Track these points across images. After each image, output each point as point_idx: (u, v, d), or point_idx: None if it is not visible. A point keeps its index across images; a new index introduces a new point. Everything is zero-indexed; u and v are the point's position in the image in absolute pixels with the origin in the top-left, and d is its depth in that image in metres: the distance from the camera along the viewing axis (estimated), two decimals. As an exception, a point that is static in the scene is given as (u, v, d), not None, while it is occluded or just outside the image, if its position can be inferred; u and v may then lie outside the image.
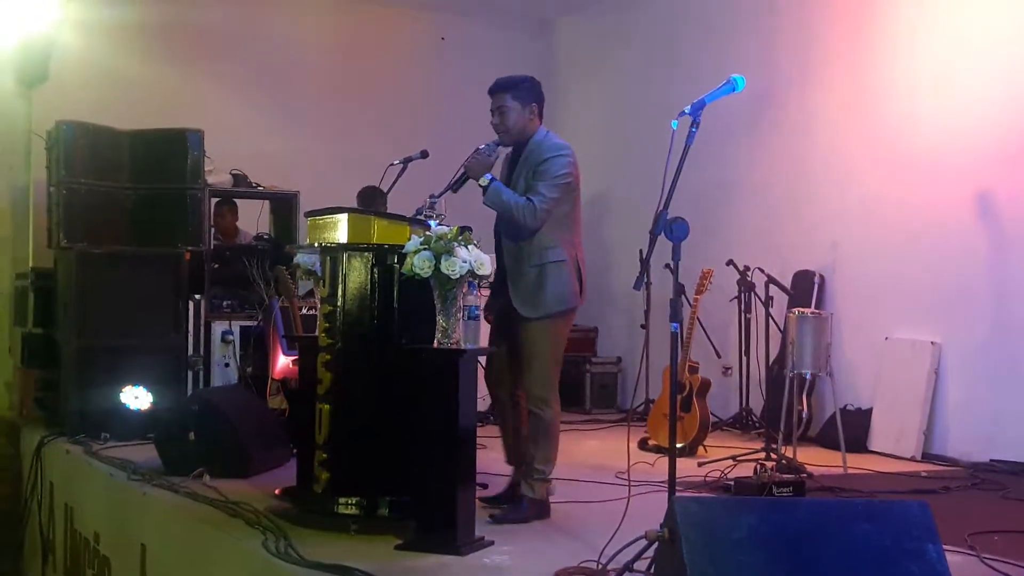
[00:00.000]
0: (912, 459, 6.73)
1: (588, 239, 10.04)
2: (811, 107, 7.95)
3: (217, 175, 8.11)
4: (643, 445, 6.92)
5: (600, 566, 3.75)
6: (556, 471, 4.85)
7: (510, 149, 4.91)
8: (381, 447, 4.47)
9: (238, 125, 8.93)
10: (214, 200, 8.38)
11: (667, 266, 4.02)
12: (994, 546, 4.27)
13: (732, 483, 5.39)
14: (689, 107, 4.03)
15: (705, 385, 7.00)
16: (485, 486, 5.01)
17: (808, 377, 6.81)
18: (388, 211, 5.34)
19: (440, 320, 4.21)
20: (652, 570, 3.55)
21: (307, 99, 9.67)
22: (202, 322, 7.50)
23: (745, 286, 7.68)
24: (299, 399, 5.24)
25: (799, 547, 3.09)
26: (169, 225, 7.53)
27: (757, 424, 7.74)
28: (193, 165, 7.59)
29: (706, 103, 4.07)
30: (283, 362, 6.75)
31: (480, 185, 4.67)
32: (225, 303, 7.83)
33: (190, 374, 7.32)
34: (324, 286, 4.60)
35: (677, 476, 3.92)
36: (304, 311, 6.85)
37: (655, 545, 3.36)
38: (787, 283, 7.69)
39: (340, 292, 4.51)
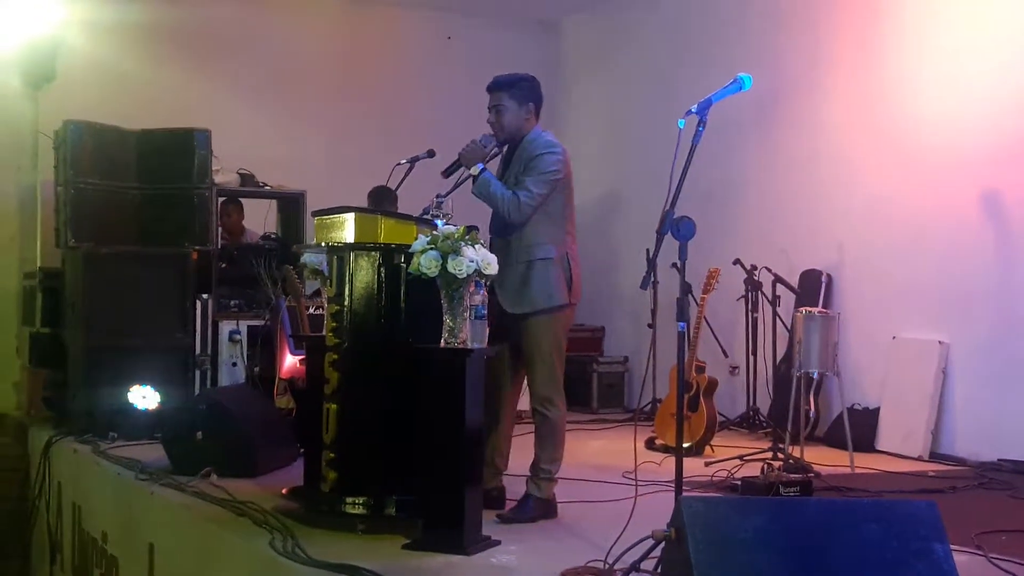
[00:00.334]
0: (919, 459, 6.72)
1: (595, 238, 10.16)
2: (818, 106, 7.94)
3: (224, 175, 8.12)
4: (650, 445, 6.92)
5: (607, 566, 3.75)
6: (563, 471, 4.85)
7: (506, 147, 4.93)
8: (388, 447, 4.47)
9: (245, 125, 8.94)
10: (220, 199, 8.39)
11: (674, 265, 4.01)
12: (1001, 546, 4.26)
13: (739, 483, 5.39)
14: (696, 106, 4.03)
15: (712, 384, 7.00)
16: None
17: (815, 376, 6.80)
18: (397, 211, 5.34)
19: (447, 320, 4.21)
20: (659, 570, 3.55)
21: (313, 99, 9.67)
22: (209, 321, 7.50)
23: (752, 285, 7.67)
24: (306, 398, 5.24)
25: (806, 547, 3.08)
26: (176, 225, 7.54)
27: (764, 423, 7.73)
28: (200, 165, 7.60)
29: (713, 102, 4.06)
30: (290, 361, 6.75)
31: (471, 173, 4.72)
32: (232, 302, 7.84)
33: (197, 373, 7.33)
34: (331, 286, 4.60)
35: (684, 476, 3.92)
36: (311, 310, 6.84)
37: (662, 545, 3.36)
38: (794, 282, 7.68)
39: (347, 292, 4.51)
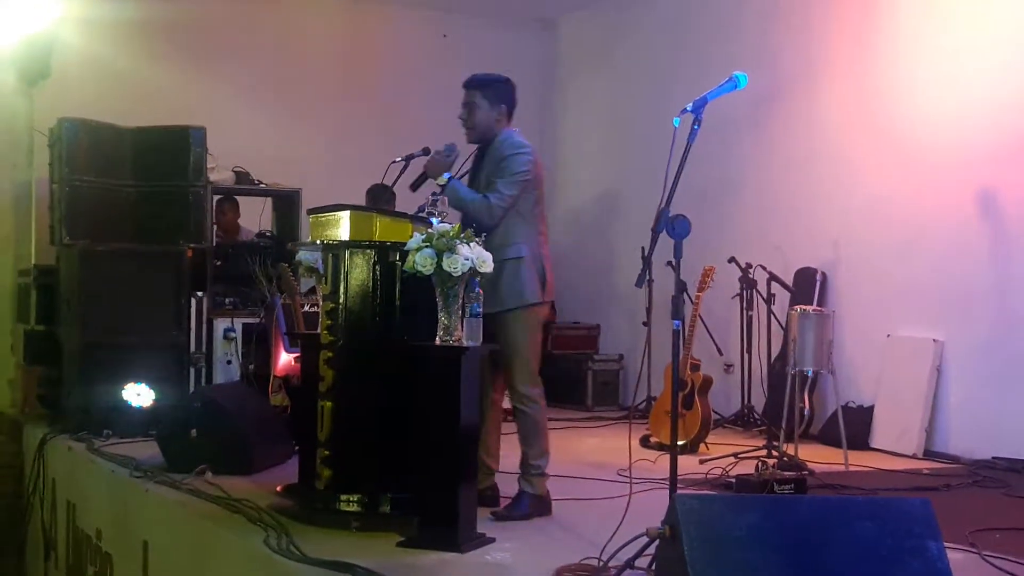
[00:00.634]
0: (914, 456, 6.73)
1: (591, 236, 10.16)
2: (814, 105, 7.94)
3: (219, 172, 8.11)
4: (645, 442, 6.92)
5: (601, 563, 3.75)
6: (558, 468, 4.85)
7: (476, 148, 4.97)
8: (383, 444, 4.47)
9: (240, 122, 8.93)
10: (215, 197, 8.39)
11: (669, 263, 4.01)
12: (995, 543, 4.27)
13: (733, 480, 5.39)
14: (691, 104, 4.03)
15: (707, 382, 7.00)
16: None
17: (810, 374, 6.81)
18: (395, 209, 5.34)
19: (442, 317, 4.21)
20: (653, 567, 3.56)
21: (309, 96, 9.67)
22: (204, 319, 7.50)
23: (747, 283, 7.68)
24: (301, 396, 5.25)
25: (800, 544, 3.09)
26: (171, 222, 7.53)
27: (759, 421, 7.74)
28: (195, 162, 7.58)
29: (708, 100, 4.06)
30: (285, 359, 6.75)
31: (438, 184, 4.79)
32: (227, 300, 7.84)
33: (192, 371, 7.32)
34: (326, 283, 4.60)
35: (678, 473, 3.92)
36: (306, 308, 6.84)
37: (656, 542, 3.36)
38: (789, 280, 7.69)
39: (342, 289, 4.51)
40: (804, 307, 6.54)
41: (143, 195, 7.60)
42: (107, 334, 6.96)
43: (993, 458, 6.43)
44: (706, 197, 8.02)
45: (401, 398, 4.40)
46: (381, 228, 4.55)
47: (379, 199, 6.68)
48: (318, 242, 4.65)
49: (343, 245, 4.53)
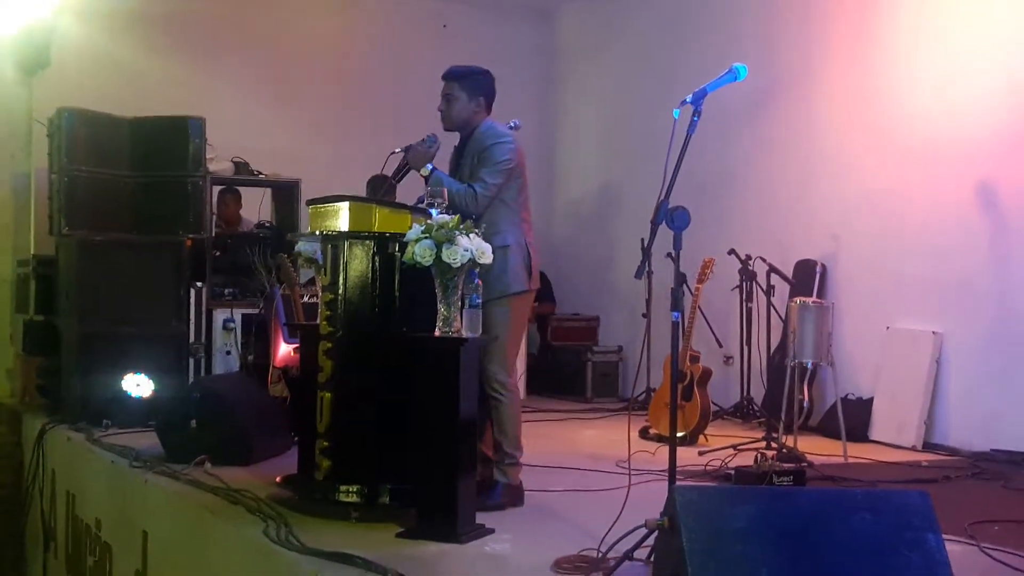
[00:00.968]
0: (913, 449, 6.74)
1: (591, 228, 10.16)
2: (813, 97, 7.93)
3: (218, 163, 8.10)
4: (644, 434, 6.93)
5: (600, 554, 3.75)
6: (557, 460, 4.85)
7: (458, 140, 4.99)
8: (382, 435, 4.47)
9: (239, 113, 8.92)
10: (218, 188, 8.38)
11: (668, 255, 4.01)
12: (994, 536, 4.28)
13: (733, 472, 5.40)
14: (691, 96, 4.02)
15: (706, 374, 7.00)
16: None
17: (809, 366, 6.81)
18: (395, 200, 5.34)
19: (441, 308, 4.21)
20: (652, 559, 3.56)
21: (309, 87, 9.65)
22: (204, 310, 7.50)
23: (747, 275, 7.68)
24: (300, 387, 5.24)
25: (799, 536, 3.09)
26: (170, 213, 7.52)
27: (758, 413, 7.74)
28: (194, 153, 7.57)
29: (708, 92, 4.05)
30: (284, 350, 6.74)
31: (422, 175, 4.81)
32: (227, 291, 7.83)
33: (191, 362, 7.32)
34: (325, 274, 4.60)
35: (677, 465, 3.92)
36: (305, 299, 6.84)
37: (655, 534, 3.37)
38: (789, 272, 7.69)
39: (341, 280, 4.51)
40: (804, 299, 6.54)
41: (142, 185, 7.59)
42: (106, 324, 6.96)
43: (992, 450, 6.43)
44: (706, 189, 8.02)
45: (400, 389, 4.40)
46: (380, 219, 4.54)
47: (379, 190, 6.67)
48: (317, 233, 4.64)
49: (342, 236, 4.52)
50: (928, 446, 6.78)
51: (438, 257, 4.12)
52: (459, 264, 4.13)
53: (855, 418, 6.92)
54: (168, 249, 7.26)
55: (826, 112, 7.83)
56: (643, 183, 7.34)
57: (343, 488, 4.49)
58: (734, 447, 6.30)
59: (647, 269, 7.30)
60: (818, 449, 6.37)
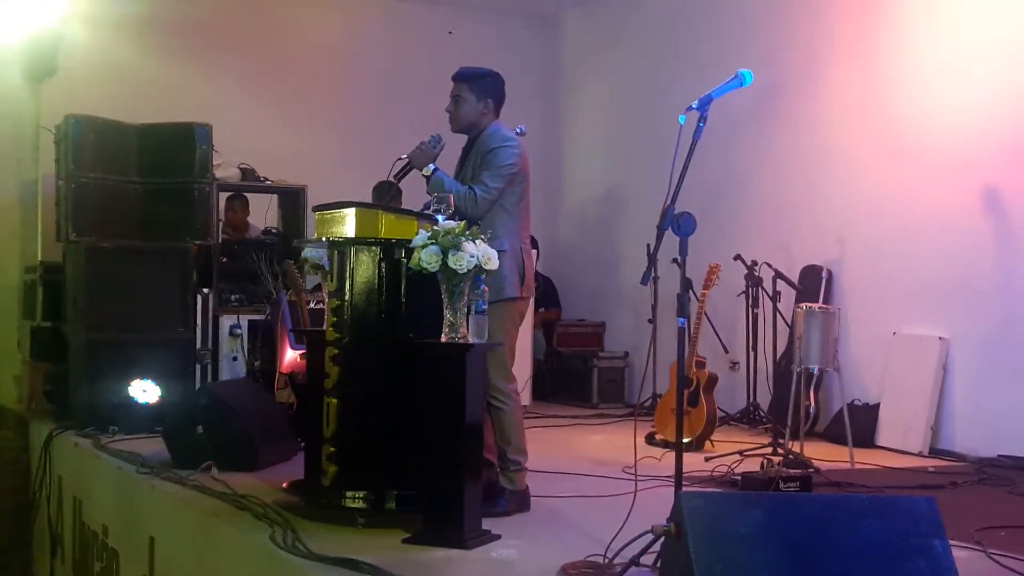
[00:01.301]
0: (919, 454, 6.73)
1: (596, 233, 10.15)
2: (818, 102, 7.93)
3: (225, 169, 8.12)
4: (650, 440, 6.92)
5: (606, 560, 3.76)
6: (563, 465, 4.85)
7: (466, 141, 4.98)
8: (388, 441, 4.47)
9: (246, 119, 8.94)
10: (226, 195, 8.40)
11: (674, 261, 4.01)
12: (1001, 542, 4.27)
13: (739, 478, 5.39)
14: (696, 102, 4.03)
15: (712, 380, 7.00)
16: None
17: (815, 372, 6.79)
18: (401, 206, 5.35)
19: (447, 314, 4.21)
20: (658, 565, 3.56)
21: (315, 93, 9.68)
22: (210, 316, 7.50)
23: (752, 281, 7.67)
24: (307, 393, 5.25)
25: (806, 542, 3.09)
26: (177, 219, 7.54)
27: (764, 419, 7.73)
28: (201, 159, 7.60)
29: (713, 98, 4.06)
30: (291, 356, 6.75)
31: (424, 175, 4.81)
32: (233, 297, 7.84)
33: (198, 368, 7.33)
34: (332, 280, 4.60)
35: (684, 471, 3.93)
36: (312, 305, 6.85)
37: (661, 539, 3.37)
38: (795, 278, 7.69)
39: (348, 286, 4.51)
40: (810, 305, 6.54)
41: (149, 192, 7.62)
42: (113, 330, 6.97)
43: (999, 456, 6.42)
44: (712, 195, 8.02)
45: (406, 395, 4.41)
46: (387, 225, 4.55)
47: (385, 196, 6.68)
48: (324, 239, 4.65)
49: (349, 242, 4.53)
50: (935, 452, 6.77)
51: (444, 263, 4.12)
52: (465, 270, 4.13)
53: (861, 424, 6.91)
54: (175, 255, 7.28)
55: (831, 118, 7.83)
56: (649, 188, 7.33)
57: (349, 494, 4.49)
58: (740, 453, 6.29)
59: (653, 275, 7.25)
60: (824, 455, 6.37)
